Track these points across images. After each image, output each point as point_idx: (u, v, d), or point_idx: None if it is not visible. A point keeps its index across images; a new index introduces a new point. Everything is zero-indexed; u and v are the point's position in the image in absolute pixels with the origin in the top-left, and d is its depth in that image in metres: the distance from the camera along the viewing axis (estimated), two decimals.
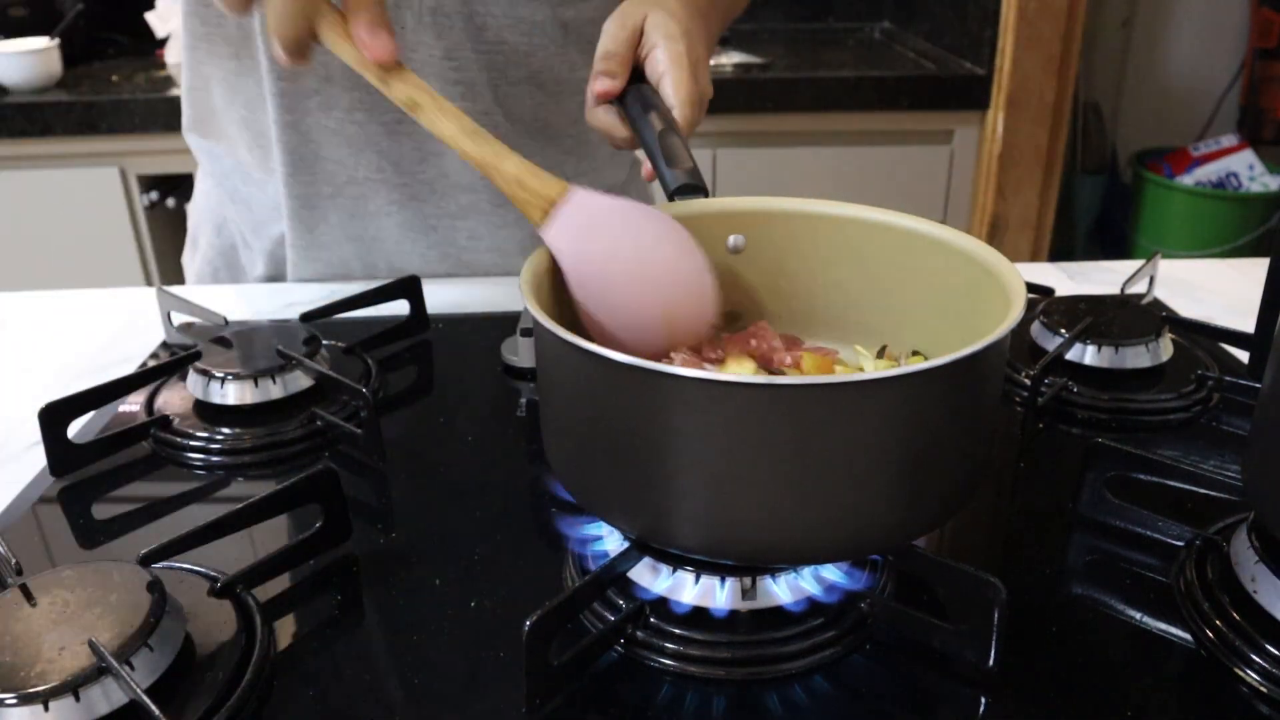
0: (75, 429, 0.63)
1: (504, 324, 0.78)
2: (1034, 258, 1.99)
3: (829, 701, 0.43)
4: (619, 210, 0.54)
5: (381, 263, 0.92)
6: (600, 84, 0.67)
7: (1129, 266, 0.86)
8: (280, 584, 0.51)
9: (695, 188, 0.60)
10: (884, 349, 0.58)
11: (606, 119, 0.70)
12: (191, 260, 1.05)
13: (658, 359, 0.50)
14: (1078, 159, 2.60)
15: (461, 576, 0.52)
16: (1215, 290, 0.89)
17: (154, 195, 1.88)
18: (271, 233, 0.93)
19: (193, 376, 0.66)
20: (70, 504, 0.59)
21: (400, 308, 0.79)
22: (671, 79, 0.66)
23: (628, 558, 0.47)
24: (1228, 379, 0.67)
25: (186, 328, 0.79)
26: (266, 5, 0.53)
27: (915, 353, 0.57)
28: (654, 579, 0.48)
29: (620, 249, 0.53)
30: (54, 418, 0.60)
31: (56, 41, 1.85)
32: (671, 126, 0.63)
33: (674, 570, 0.47)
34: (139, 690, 0.39)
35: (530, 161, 0.54)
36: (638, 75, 0.69)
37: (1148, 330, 0.70)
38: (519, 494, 0.60)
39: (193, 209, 1.04)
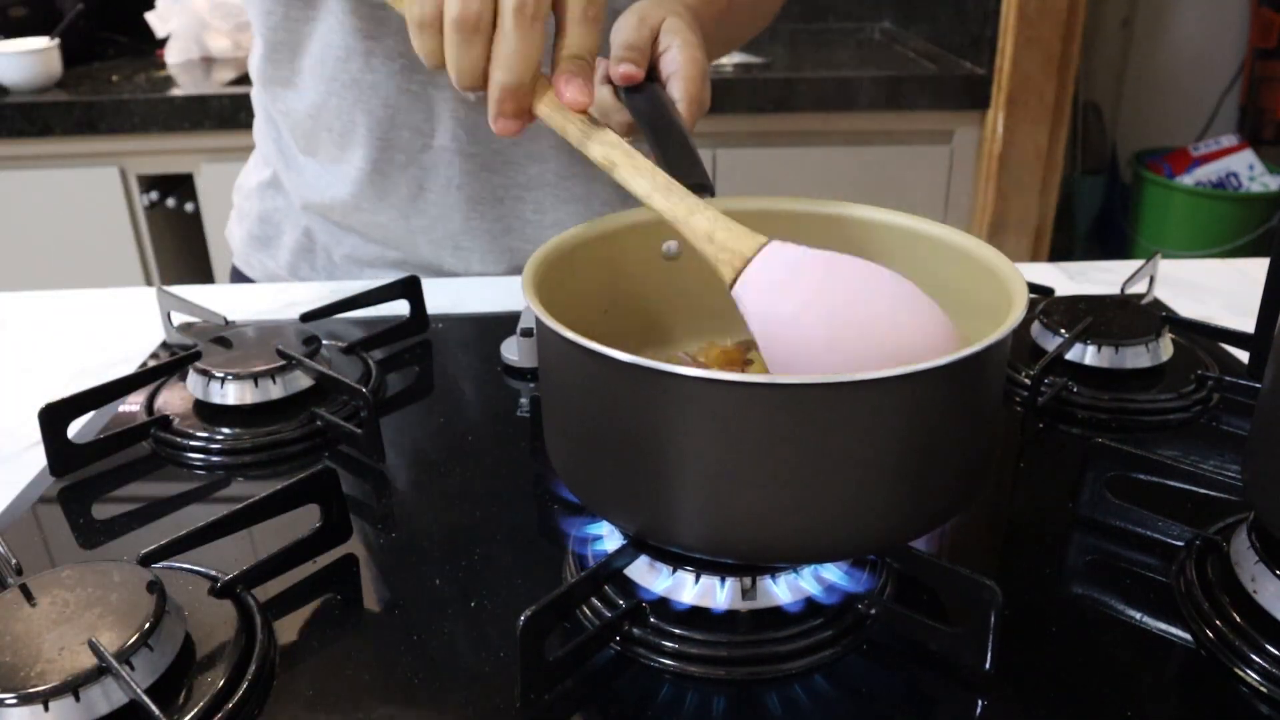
0: (75, 429, 0.63)
1: (504, 324, 0.78)
2: (1034, 258, 1.99)
3: (828, 702, 0.43)
4: (824, 262, 0.48)
5: (447, 242, 0.93)
6: (625, 68, 0.69)
7: (1129, 266, 0.86)
8: (280, 584, 0.51)
9: (702, 187, 0.60)
10: None
11: (607, 98, 0.71)
12: (238, 227, 1.05)
13: None
14: (1078, 159, 2.60)
15: (461, 576, 0.52)
16: (1215, 290, 0.89)
17: (154, 195, 1.88)
18: (319, 199, 0.93)
19: (193, 376, 0.66)
20: (70, 504, 0.59)
21: (400, 308, 0.79)
22: (683, 76, 0.68)
23: (624, 555, 0.47)
24: (1228, 379, 0.67)
25: (186, 328, 0.79)
26: (496, 65, 0.51)
27: None
28: (654, 578, 0.48)
29: (819, 306, 0.47)
30: (54, 418, 0.60)
31: (56, 41, 1.85)
32: (680, 126, 0.64)
33: (674, 570, 0.47)
34: (139, 690, 0.39)
35: (724, 215, 0.51)
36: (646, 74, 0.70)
37: (1148, 330, 0.70)
38: (519, 493, 0.60)
39: (247, 172, 1.05)
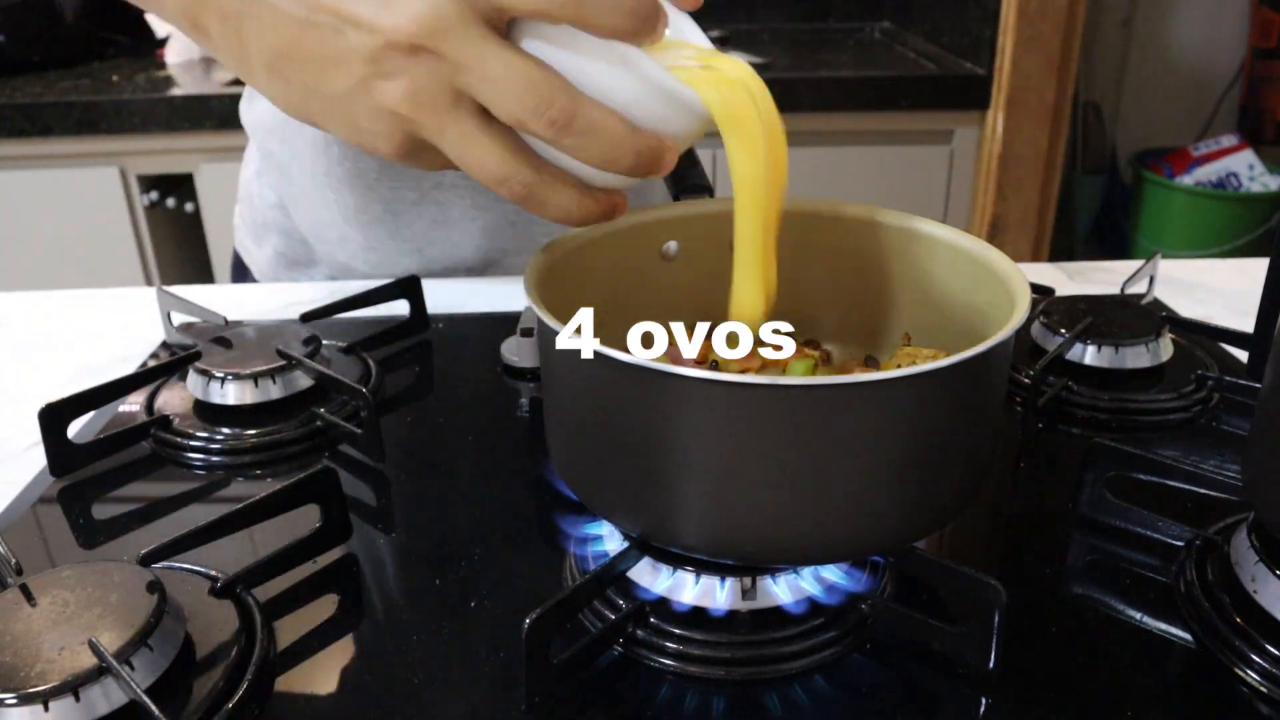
0: (75, 429, 0.63)
1: (504, 324, 0.78)
2: (1034, 258, 1.99)
3: (829, 702, 0.43)
4: None
5: (461, 269, 0.93)
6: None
7: (1129, 266, 0.86)
8: (280, 584, 0.51)
9: (701, 188, 0.60)
10: (908, 337, 0.58)
11: None
12: (260, 251, 1.02)
13: None
14: (1078, 159, 2.60)
15: (461, 576, 0.52)
16: (1215, 290, 0.89)
17: (154, 195, 1.88)
18: (329, 235, 0.92)
19: (193, 376, 0.66)
20: (70, 504, 0.59)
21: (400, 308, 0.79)
22: None
23: (627, 557, 0.47)
24: (1228, 379, 0.67)
25: (186, 328, 0.79)
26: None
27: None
28: (654, 579, 0.48)
29: None
30: (54, 418, 0.60)
31: None
32: None
33: (674, 570, 0.47)
34: (139, 690, 0.39)
35: None
36: None
37: (1148, 330, 0.70)
38: (519, 493, 0.60)
39: (251, 199, 1.01)
